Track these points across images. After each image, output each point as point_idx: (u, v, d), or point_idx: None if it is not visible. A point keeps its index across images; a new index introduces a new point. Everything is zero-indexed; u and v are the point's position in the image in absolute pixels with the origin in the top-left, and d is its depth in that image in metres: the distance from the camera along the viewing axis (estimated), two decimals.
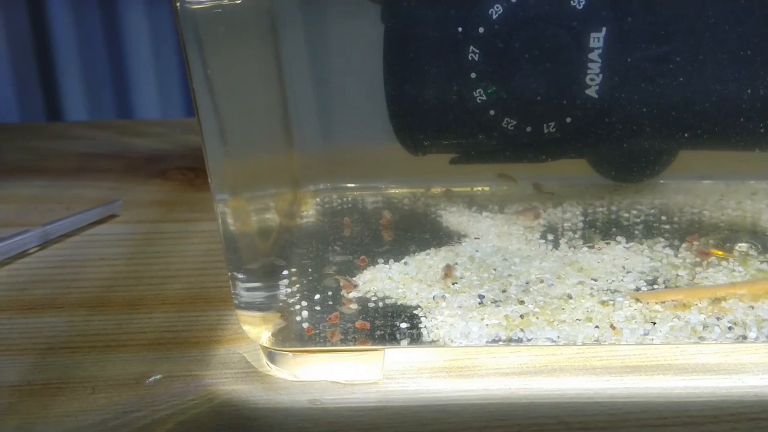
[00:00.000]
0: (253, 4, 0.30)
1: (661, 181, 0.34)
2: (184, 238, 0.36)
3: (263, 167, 0.32)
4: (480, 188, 0.35)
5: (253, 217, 0.28)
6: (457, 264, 0.29)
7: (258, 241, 0.28)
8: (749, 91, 0.28)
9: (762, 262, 0.28)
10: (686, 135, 0.30)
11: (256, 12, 0.31)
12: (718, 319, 0.25)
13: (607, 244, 0.30)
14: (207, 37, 0.23)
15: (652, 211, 0.33)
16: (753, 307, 0.25)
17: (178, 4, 0.22)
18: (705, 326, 0.24)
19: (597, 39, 0.28)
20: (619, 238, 0.30)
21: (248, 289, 0.25)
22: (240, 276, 0.25)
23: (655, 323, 0.25)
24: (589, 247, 0.30)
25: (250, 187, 0.29)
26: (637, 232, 0.31)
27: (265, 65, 0.33)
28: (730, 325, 0.24)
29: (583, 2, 0.27)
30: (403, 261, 0.29)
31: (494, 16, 0.28)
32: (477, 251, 0.30)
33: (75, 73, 0.75)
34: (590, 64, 0.28)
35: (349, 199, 0.36)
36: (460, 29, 0.28)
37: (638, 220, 0.32)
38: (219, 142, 0.24)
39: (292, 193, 0.36)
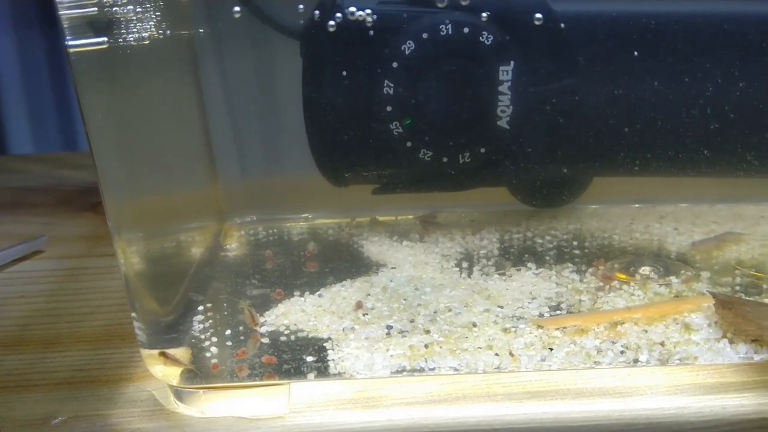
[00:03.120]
0: (168, 42, 0.30)
1: (578, 207, 0.35)
2: (107, 273, 0.36)
3: (179, 202, 0.32)
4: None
5: (160, 256, 0.28)
6: (369, 295, 0.29)
7: (165, 280, 0.28)
8: (655, 119, 0.29)
9: (660, 285, 0.29)
10: (595, 163, 0.31)
11: (171, 50, 0.31)
12: (612, 343, 0.25)
13: (518, 270, 0.31)
14: (94, 79, 0.23)
15: (565, 236, 0.34)
16: (646, 331, 0.26)
17: (69, 49, 0.22)
18: (599, 351, 0.25)
19: (506, 72, 0.29)
20: (530, 264, 0.31)
21: (150, 329, 0.26)
22: (136, 316, 0.25)
23: (552, 349, 0.25)
24: (500, 274, 0.31)
25: (163, 224, 0.29)
26: (548, 257, 0.32)
27: (182, 101, 0.33)
28: (622, 349, 0.25)
29: (491, 38, 0.28)
30: (317, 293, 0.29)
31: (407, 52, 0.28)
32: (391, 281, 0.30)
33: (20, 107, 0.75)
34: (500, 97, 0.29)
35: (275, 230, 0.36)
36: (375, 64, 0.29)
37: (551, 246, 0.33)
38: (115, 182, 0.24)
39: (216, 226, 0.36)
